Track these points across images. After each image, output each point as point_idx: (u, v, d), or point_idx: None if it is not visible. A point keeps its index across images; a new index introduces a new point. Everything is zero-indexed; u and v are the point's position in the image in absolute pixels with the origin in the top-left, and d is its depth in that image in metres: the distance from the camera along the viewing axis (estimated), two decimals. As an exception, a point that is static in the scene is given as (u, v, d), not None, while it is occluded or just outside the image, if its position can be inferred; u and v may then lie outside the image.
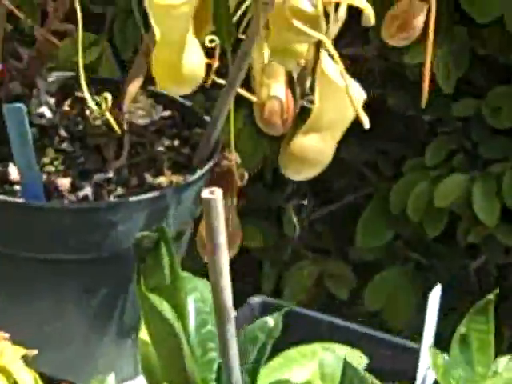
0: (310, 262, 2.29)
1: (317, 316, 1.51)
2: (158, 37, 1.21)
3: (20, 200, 1.28)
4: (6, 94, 1.35)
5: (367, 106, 1.99)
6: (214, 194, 0.93)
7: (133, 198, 1.30)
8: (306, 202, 2.32)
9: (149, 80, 1.46)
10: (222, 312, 1.00)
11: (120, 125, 1.36)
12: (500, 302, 1.46)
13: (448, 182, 2.05)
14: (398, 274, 2.18)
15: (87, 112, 1.41)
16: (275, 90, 1.31)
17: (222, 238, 0.95)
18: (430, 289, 2.18)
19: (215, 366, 1.13)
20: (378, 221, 2.19)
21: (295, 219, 2.32)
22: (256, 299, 1.48)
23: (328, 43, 1.31)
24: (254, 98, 1.34)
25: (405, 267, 2.18)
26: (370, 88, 2.14)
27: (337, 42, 1.30)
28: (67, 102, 1.41)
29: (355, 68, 2.11)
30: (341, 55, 1.98)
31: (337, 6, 1.35)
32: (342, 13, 1.37)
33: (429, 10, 1.34)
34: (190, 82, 1.28)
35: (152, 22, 1.20)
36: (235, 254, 1.41)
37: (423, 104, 1.33)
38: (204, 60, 1.27)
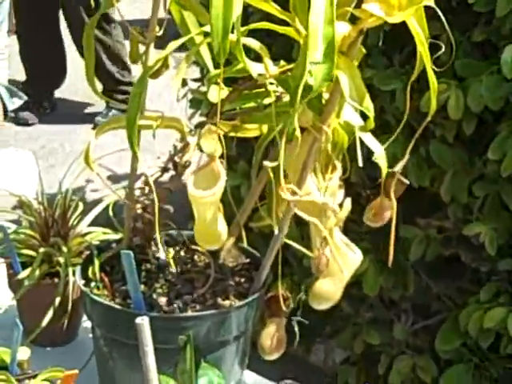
0: (407, 356, 2.27)
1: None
2: (195, 213, 1.25)
3: (126, 309, 1.32)
4: (130, 243, 1.39)
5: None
6: (144, 321, 1.01)
7: (202, 313, 1.32)
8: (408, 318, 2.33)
9: (239, 239, 1.54)
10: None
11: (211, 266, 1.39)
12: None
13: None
14: (463, 369, 2.11)
15: (195, 256, 1.50)
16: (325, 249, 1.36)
17: (149, 348, 1.01)
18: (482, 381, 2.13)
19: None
20: (451, 334, 2.16)
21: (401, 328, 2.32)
22: (288, 382, 1.36)
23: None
24: (310, 253, 1.34)
25: (467, 365, 2.11)
26: None
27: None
28: (182, 250, 1.44)
29: None
30: None
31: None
32: (348, 204, 1.44)
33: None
34: (216, 244, 1.32)
35: (192, 204, 1.24)
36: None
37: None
38: (226, 228, 1.29)
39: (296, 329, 1.39)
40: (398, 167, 1.28)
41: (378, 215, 1.32)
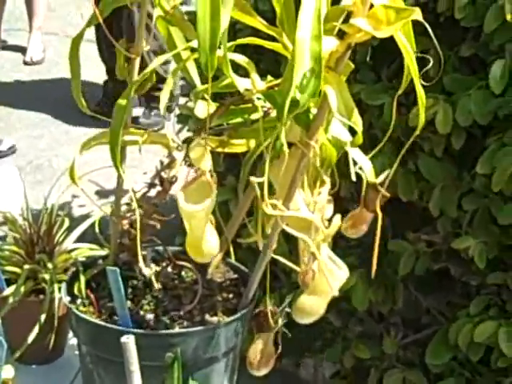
0: (398, 371, 2.24)
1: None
2: (187, 228, 1.23)
3: (112, 326, 1.28)
4: (116, 260, 1.38)
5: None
6: (129, 339, 0.99)
7: (189, 330, 1.30)
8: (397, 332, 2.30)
9: (227, 254, 1.53)
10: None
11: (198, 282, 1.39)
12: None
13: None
14: (454, 383, 2.09)
15: (183, 272, 1.49)
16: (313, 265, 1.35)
17: (135, 366, 0.99)
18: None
19: None
20: (441, 348, 2.14)
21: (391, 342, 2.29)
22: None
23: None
24: (298, 268, 1.32)
25: (458, 379, 2.07)
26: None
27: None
28: (169, 266, 1.41)
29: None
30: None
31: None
32: (337, 220, 1.41)
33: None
34: (207, 257, 1.29)
35: (183, 219, 1.22)
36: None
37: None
38: (218, 240, 1.28)
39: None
40: (380, 179, 1.27)
41: (355, 226, 1.32)
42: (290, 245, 1.54)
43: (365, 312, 2.25)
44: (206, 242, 1.25)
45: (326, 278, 1.29)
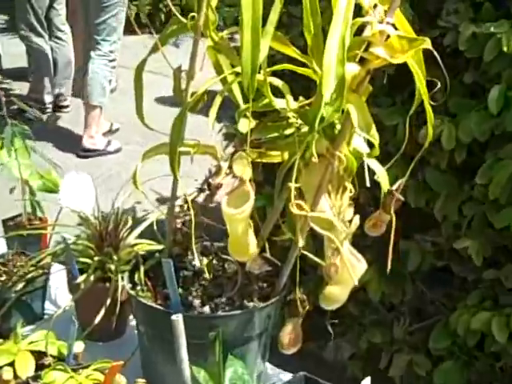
0: (405, 353, 2.19)
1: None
2: (229, 229, 1.19)
3: (165, 309, 1.25)
4: (170, 253, 1.34)
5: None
6: (178, 317, 0.95)
7: (230, 313, 1.27)
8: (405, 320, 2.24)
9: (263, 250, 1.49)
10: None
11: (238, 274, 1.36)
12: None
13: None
14: (453, 365, 2.03)
15: (225, 264, 1.41)
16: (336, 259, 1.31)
17: (182, 341, 0.95)
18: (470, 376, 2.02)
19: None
20: (442, 334, 2.08)
21: (399, 329, 2.23)
22: (302, 373, 1.33)
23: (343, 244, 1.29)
24: (323, 263, 1.33)
25: (457, 362, 2.03)
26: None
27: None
28: (214, 259, 1.37)
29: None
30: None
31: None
32: (356, 221, 1.37)
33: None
34: (246, 256, 1.26)
35: (226, 221, 1.19)
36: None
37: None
38: (255, 241, 1.24)
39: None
40: (395, 186, 1.22)
41: (376, 226, 1.27)
42: (315, 244, 1.50)
43: (378, 302, 2.20)
44: (243, 241, 1.21)
45: (349, 269, 1.24)
